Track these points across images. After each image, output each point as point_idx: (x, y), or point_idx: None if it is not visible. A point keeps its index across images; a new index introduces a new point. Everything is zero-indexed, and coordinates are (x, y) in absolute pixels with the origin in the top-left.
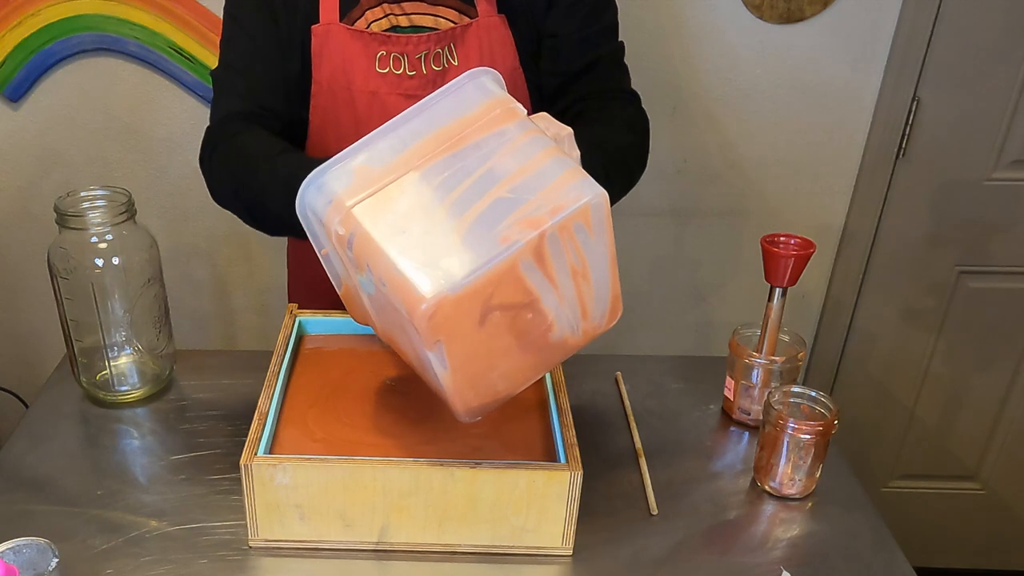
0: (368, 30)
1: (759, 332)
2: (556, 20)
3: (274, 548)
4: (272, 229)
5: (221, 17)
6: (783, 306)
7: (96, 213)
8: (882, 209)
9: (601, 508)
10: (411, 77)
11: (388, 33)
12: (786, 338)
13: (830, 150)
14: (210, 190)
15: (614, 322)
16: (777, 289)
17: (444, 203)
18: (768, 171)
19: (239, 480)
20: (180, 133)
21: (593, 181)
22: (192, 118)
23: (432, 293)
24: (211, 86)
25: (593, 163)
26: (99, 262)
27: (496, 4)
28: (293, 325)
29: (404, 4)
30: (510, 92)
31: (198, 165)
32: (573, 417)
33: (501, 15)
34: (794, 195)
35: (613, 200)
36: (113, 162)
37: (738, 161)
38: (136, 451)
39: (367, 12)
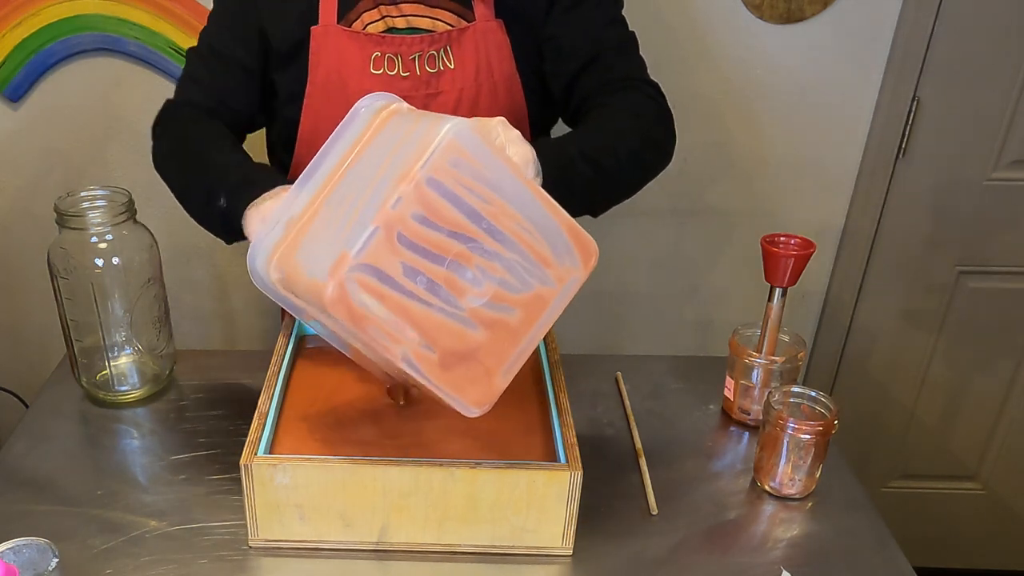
0: (364, 31)
1: (759, 332)
2: (556, 21)
3: (274, 548)
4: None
5: None
6: (783, 306)
7: (96, 213)
8: (882, 209)
9: (601, 508)
10: (404, 78)
11: (384, 34)
12: (786, 338)
13: (830, 150)
14: (152, 155)
15: (592, 261)
16: (777, 289)
17: (343, 209)
18: (768, 171)
19: (239, 480)
20: None
21: (454, 117)
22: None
23: (330, 274)
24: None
25: (580, 171)
26: (99, 262)
27: (494, 8)
28: (293, 325)
29: (402, 6)
30: (506, 99)
31: None
32: (573, 417)
33: (499, 20)
34: (794, 195)
35: (632, 190)
36: (113, 162)
37: (738, 161)
38: (136, 451)
39: (364, 14)
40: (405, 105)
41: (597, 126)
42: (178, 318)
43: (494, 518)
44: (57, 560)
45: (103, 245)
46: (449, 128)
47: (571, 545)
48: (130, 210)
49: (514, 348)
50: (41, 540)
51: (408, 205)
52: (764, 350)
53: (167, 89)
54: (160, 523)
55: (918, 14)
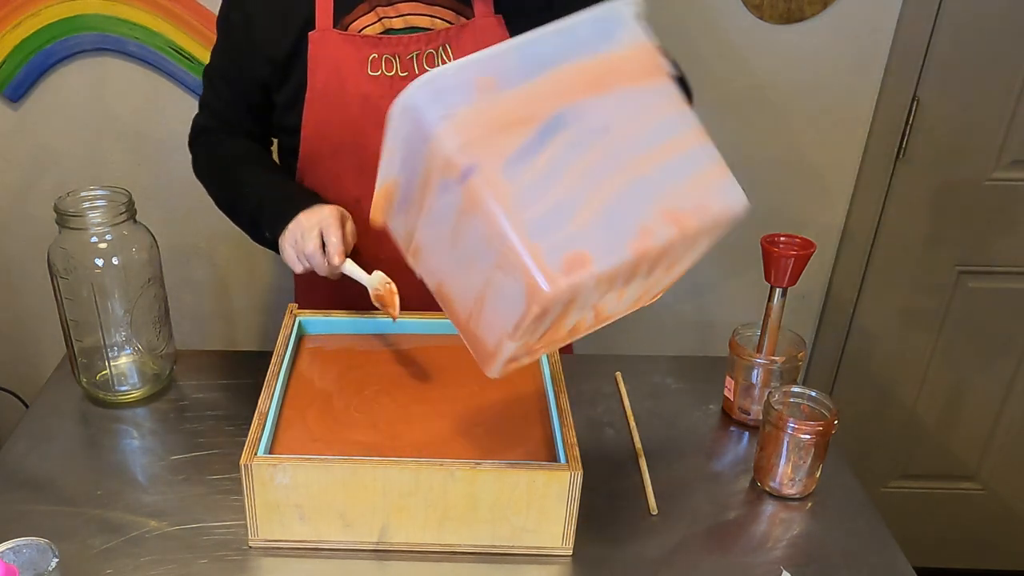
0: (360, 34)
1: (759, 332)
2: (563, 7)
3: (274, 548)
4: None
5: None
6: (783, 306)
7: (96, 213)
8: (882, 209)
9: (601, 508)
10: (403, 78)
11: (380, 36)
12: (786, 338)
13: (830, 150)
14: (193, 168)
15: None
16: (777, 289)
17: (580, 163)
18: (768, 171)
19: (239, 480)
20: (180, 133)
21: (738, 187)
22: (192, 118)
23: (552, 287)
24: None
25: None
26: (99, 262)
27: (493, 5)
28: (293, 325)
29: (399, 6)
30: None
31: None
32: (573, 417)
33: (498, 15)
34: (794, 195)
35: None
36: (113, 162)
37: (738, 161)
38: (136, 451)
39: (360, 18)
40: (668, 66)
41: None
42: (178, 318)
43: (494, 518)
44: (57, 560)
45: (103, 245)
46: (736, 202)
47: (571, 545)
48: (130, 210)
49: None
50: (41, 540)
51: (657, 248)
52: (764, 350)
53: (167, 89)
54: (160, 523)
55: (918, 14)
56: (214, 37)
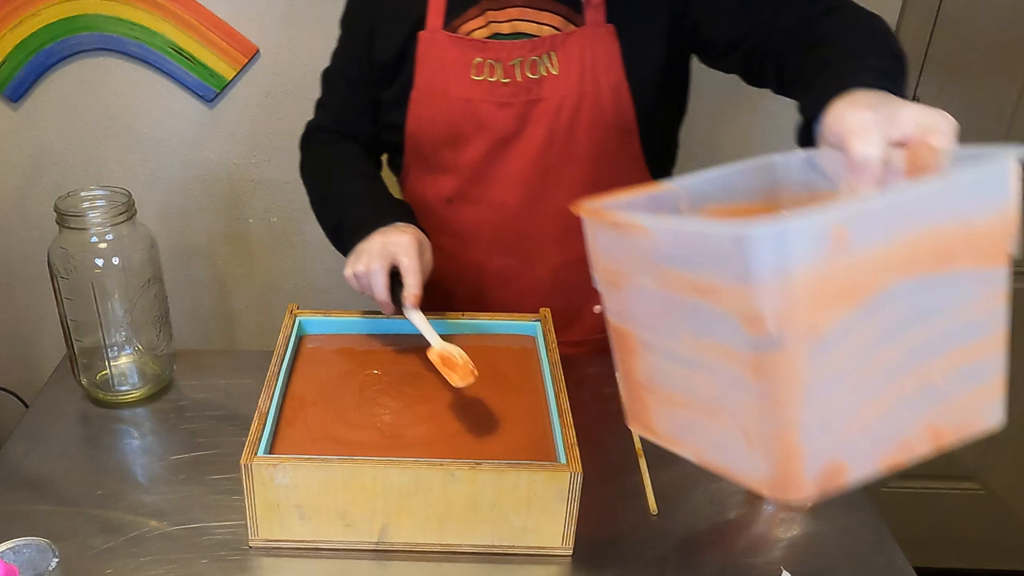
0: (468, 37)
1: None
2: (670, 28)
3: (274, 548)
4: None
5: (221, 17)
6: None
7: (96, 213)
8: None
9: (601, 508)
10: (504, 84)
11: (487, 40)
12: None
13: None
14: (300, 169)
15: None
16: None
17: (883, 356)
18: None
19: (239, 480)
20: (180, 133)
21: (1002, 403)
22: (192, 118)
23: (799, 494)
24: (217, 87)
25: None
26: (99, 262)
27: (605, 13)
28: (293, 325)
29: (508, 10)
30: (612, 108)
31: (198, 164)
32: (573, 417)
33: (609, 24)
34: None
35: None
36: (113, 162)
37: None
38: (136, 451)
39: (470, 21)
40: (1013, 247)
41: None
42: (178, 318)
43: (494, 518)
44: (57, 560)
45: (103, 245)
46: (992, 422)
47: (571, 545)
48: (130, 210)
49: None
50: (41, 540)
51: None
52: None
53: (167, 89)
54: (160, 523)
55: (918, 14)
56: (214, 37)
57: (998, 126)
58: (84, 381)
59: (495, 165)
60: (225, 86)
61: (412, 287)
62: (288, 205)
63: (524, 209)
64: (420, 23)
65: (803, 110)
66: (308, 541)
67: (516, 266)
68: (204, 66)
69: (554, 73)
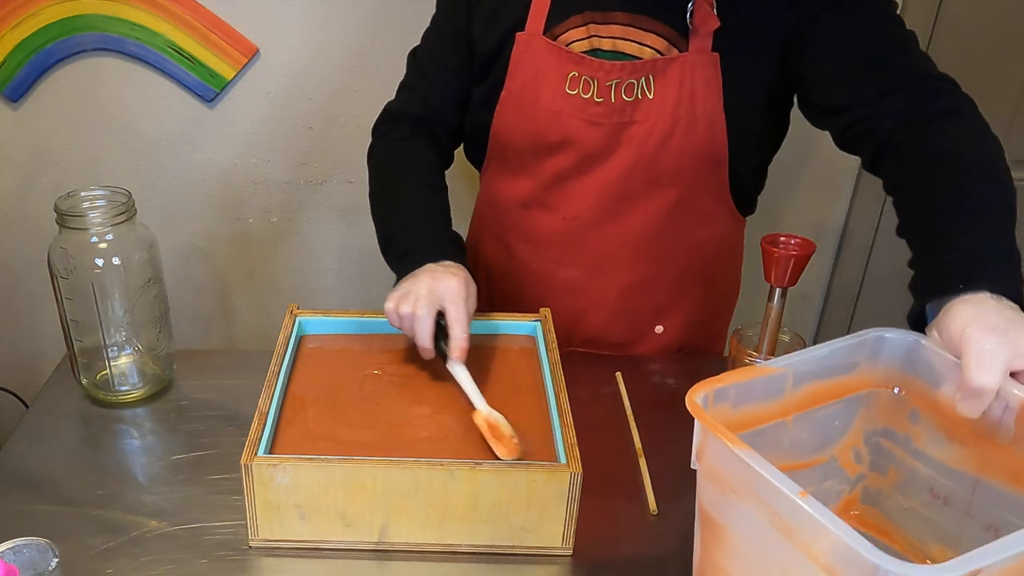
0: (567, 48)
1: (759, 332)
2: (816, 30)
3: (274, 548)
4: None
5: (221, 17)
6: (783, 306)
7: (96, 213)
8: (882, 209)
9: (601, 508)
10: (597, 104)
11: (585, 55)
12: (786, 338)
13: (830, 150)
14: (368, 152)
15: None
16: (777, 289)
17: None
18: (769, 171)
19: (239, 480)
20: (180, 133)
21: None
22: (192, 118)
23: None
24: (217, 87)
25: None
26: (99, 262)
27: (712, 41)
28: (293, 325)
29: (612, 26)
30: (705, 137)
31: (198, 164)
32: (573, 417)
33: (714, 53)
34: (794, 195)
35: None
36: (113, 162)
37: None
38: (136, 451)
39: (571, 30)
40: None
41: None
42: (178, 318)
43: (494, 518)
44: (57, 560)
45: (103, 245)
46: None
47: (571, 545)
48: (130, 210)
49: None
50: (41, 540)
51: None
52: (764, 350)
53: (167, 89)
54: (160, 523)
55: (918, 14)
56: (214, 37)
57: (998, 126)
58: (84, 381)
59: (576, 179)
60: (225, 86)
61: (460, 340)
62: (288, 205)
63: (599, 226)
64: (520, 23)
65: (917, 289)
66: (308, 541)
67: (582, 281)
68: (204, 66)
69: (649, 97)
